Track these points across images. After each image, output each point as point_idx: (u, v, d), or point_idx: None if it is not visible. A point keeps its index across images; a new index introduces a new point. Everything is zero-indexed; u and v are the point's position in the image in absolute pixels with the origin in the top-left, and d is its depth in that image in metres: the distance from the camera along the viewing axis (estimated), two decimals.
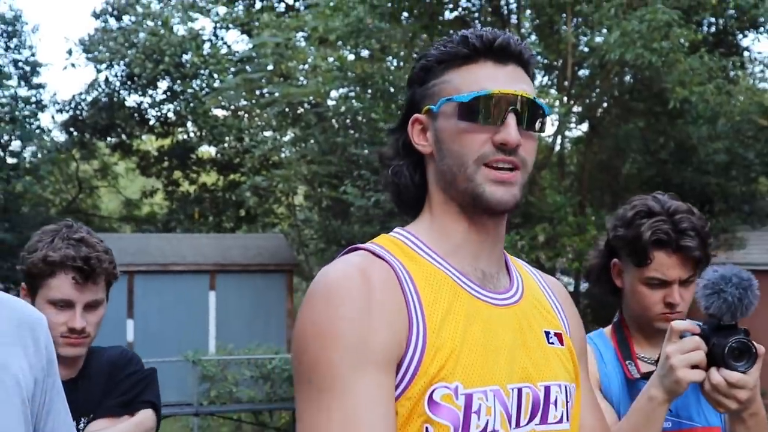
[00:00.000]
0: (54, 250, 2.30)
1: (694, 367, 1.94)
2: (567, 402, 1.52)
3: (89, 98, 24.74)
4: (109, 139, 26.11)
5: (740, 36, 16.18)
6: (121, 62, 22.97)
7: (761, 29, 15.19)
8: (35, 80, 23.62)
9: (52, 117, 33.96)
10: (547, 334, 1.57)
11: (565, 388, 1.53)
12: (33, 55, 23.97)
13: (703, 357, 1.94)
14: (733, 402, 1.91)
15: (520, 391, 1.46)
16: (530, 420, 1.46)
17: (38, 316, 1.70)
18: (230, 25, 22.44)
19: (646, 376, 2.16)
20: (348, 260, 1.46)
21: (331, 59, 14.28)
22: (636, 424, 2.02)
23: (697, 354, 1.93)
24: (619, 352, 2.30)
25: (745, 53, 16.44)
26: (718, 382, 1.91)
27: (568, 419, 1.53)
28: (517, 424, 1.44)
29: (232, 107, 20.60)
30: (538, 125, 1.51)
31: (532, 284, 1.65)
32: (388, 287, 1.41)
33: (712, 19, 15.10)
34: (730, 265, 2.04)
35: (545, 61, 14.80)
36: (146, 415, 2.50)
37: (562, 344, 1.59)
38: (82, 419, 2.39)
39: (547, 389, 1.49)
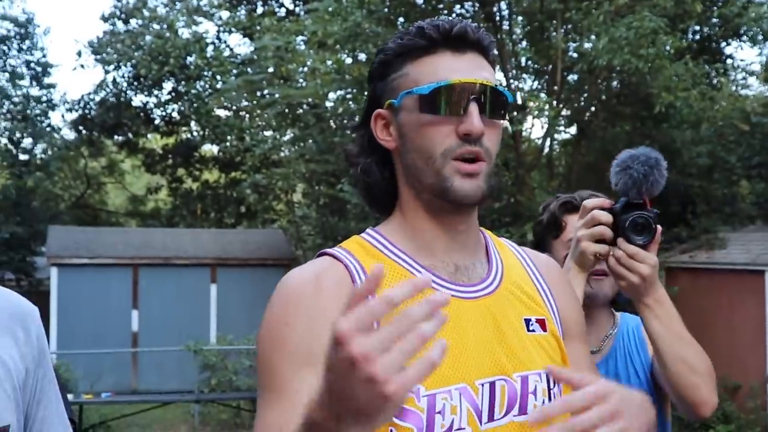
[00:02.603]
0: None
1: (600, 241, 1.97)
2: (549, 389, 1.47)
3: (97, 98, 24.90)
4: (116, 137, 26.23)
5: (724, 44, 16.16)
6: (128, 64, 23.08)
7: (744, 38, 15.14)
8: (46, 80, 23.75)
9: (62, 116, 34.23)
10: (528, 321, 1.52)
11: (547, 375, 1.47)
12: (44, 56, 24.13)
13: (607, 231, 1.96)
14: (635, 276, 1.91)
15: (492, 385, 1.42)
16: (507, 412, 1.43)
17: (30, 307, 1.67)
18: (233, 29, 22.53)
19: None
20: (306, 266, 1.48)
21: (329, 62, 14.32)
22: None
23: (600, 228, 1.96)
24: None
25: (728, 61, 16.41)
26: (620, 255, 1.92)
27: None
28: (491, 418, 1.41)
29: (234, 108, 20.68)
30: (501, 112, 1.47)
31: (516, 268, 1.59)
32: (339, 292, 1.38)
33: (697, 28, 15.09)
34: (643, 147, 2.02)
35: (535, 66, 14.79)
36: None
37: (545, 330, 1.54)
38: None
39: (524, 379, 1.45)
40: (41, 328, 1.68)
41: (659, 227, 1.95)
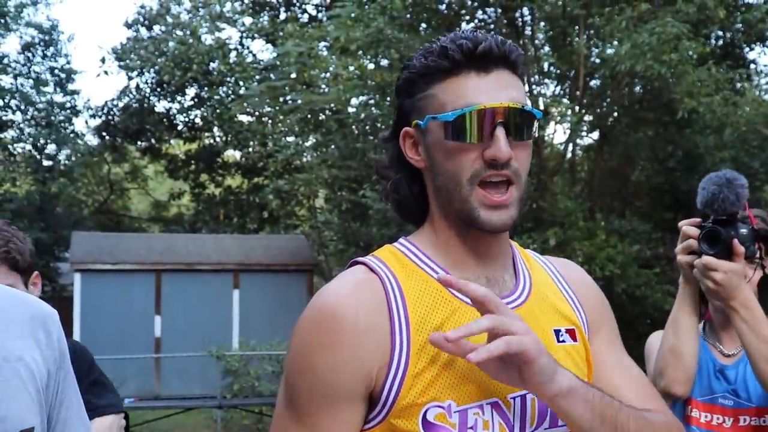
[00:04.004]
0: None
1: (692, 253, 2.22)
2: None
3: (121, 104, 25.01)
4: (139, 143, 26.33)
5: (747, 49, 16.09)
6: (152, 70, 23.19)
7: (767, 42, 15.14)
8: (70, 87, 23.94)
9: (86, 122, 34.62)
10: (557, 332, 1.52)
11: None
12: (68, 62, 24.22)
13: (694, 243, 2.21)
14: (710, 282, 2.14)
15: (524, 398, 1.41)
16: (538, 425, 1.42)
17: (50, 311, 1.69)
18: (255, 35, 22.50)
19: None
20: (342, 283, 1.44)
21: (351, 68, 14.34)
22: (674, 307, 2.34)
23: (689, 242, 2.22)
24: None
25: (752, 66, 16.28)
26: (697, 263, 2.18)
27: None
28: (522, 431, 1.40)
29: (257, 113, 20.65)
30: (529, 133, 1.43)
31: (543, 278, 1.59)
32: (373, 313, 1.38)
33: (720, 33, 15.06)
34: (727, 169, 2.27)
35: (558, 71, 14.78)
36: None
37: (575, 340, 1.54)
38: None
39: None
40: (61, 330, 1.70)
41: (735, 241, 2.13)
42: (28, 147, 23.29)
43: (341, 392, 1.35)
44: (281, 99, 16.46)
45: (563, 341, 1.52)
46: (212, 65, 22.50)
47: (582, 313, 1.59)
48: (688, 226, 2.24)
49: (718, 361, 2.46)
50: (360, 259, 1.50)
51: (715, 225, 2.17)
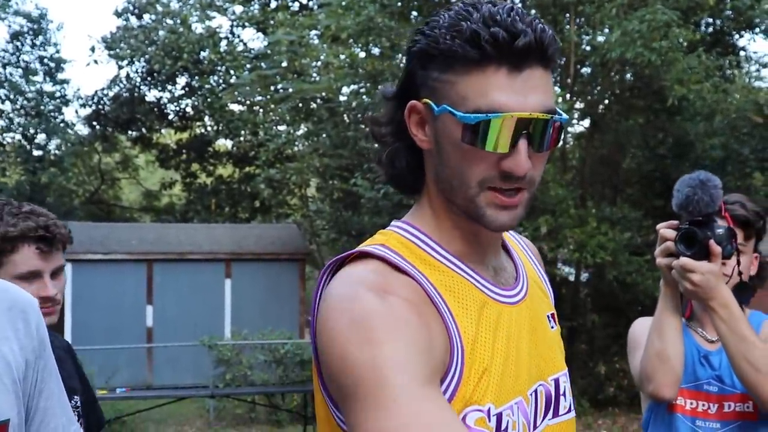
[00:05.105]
0: (9, 225, 2.18)
1: (669, 255, 2.24)
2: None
3: (111, 93, 25.01)
4: (130, 132, 26.34)
5: (737, 36, 16.15)
6: (142, 59, 23.18)
7: (757, 30, 15.15)
8: (60, 76, 23.92)
9: (76, 111, 34.53)
10: (548, 318, 1.47)
11: (566, 374, 1.45)
12: (57, 52, 24.20)
13: (672, 245, 2.23)
14: (688, 283, 2.16)
15: (536, 392, 1.36)
16: (545, 416, 1.37)
17: (29, 299, 1.66)
18: (246, 24, 22.49)
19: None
20: (364, 283, 1.21)
21: (342, 56, 14.32)
22: (657, 310, 2.32)
23: (666, 244, 2.25)
24: None
25: (741, 53, 16.38)
26: (674, 265, 2.20)
27: (573, 407, 1.45)
28: (535, 426, 1.34)
29: (248, 102, 20.65)
30: (554, 141, 1.28)
31: (525, 259, 1.52)
32: (422, 304, 1.22)
33: (710, 20, 15.09)
34: (700, 171, 2.30)
35: None
36: None
37: (556, 324, 1.50)
38: (74, 396, 2.34)
39: (557, 381, 1.41)
40: (41, 319, 1.67)
41: (711, 242, 2.16)
42: (18, 137, 23.26)
43: (433, 373, 1.18)
44: (272, 88, 16.43)
45: (552, 327, 1.47)
46: (203, 54, 22.50)
47: (551, 292, 1.55)
48: (665, 229, 2.26)
49: (702, 347, 2.48)
50: (369, 250, 1.29)
51: (691, 226, 2.19)
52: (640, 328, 2.57)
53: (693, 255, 2.17)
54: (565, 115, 1.29)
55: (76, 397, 2.35)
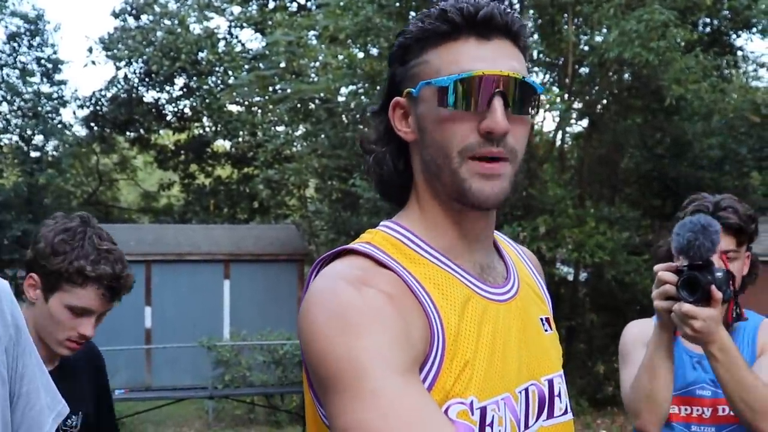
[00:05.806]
0: (89, 262, 2.19)
1: (669, 298, 2.22)
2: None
3: (109, 94, 24.92)
4: (128, 133, 26.24)
5: (734, 36, 16.20)
6: (140, 60, 23.10)
7: (754, 29, 15.17)
8: (57, 77, 23.63)
9: (74, 112, 34.23)
10: (542, 321, 1.48)
11: (562, 376, 1.46)
12: (55, 53, 23.90)
13: (671, 289, 2.20)
14: (688, 329, 2.16)
15: (527, 391, 1.36)
16: (538, 417, 1.37)
17: (1, 284, 1.61)
18: (244, 24, 22.49)
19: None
20: (343, 277, 1.24)
21: (341, 57, 14.30)
22: (650, 351, 2.30)
23: (665, 287, 2.22)
24: None
25: (739, 52, 16.45)
26: (675, 310, 2.18)
27: (570, 409, 1.46)
28: (526, 426, 1.34)
29: (246, 103, 20.68)
30: (529, 107, 1.32)
31: (521, 265, 1.53)
32: (402, 296, 1.24)
33: (707, 20, 15.15)
34: (700, 215, 2.27)
35: (547, 59, 14.77)
36: None
37: (552, 328, 1.51)
38: (79, 413, 2.33)
39: (551, 382, 1.42)
40: (15, 303, 1.63)
41: (713, 288, 2.14)
42: (15, 138, 23.13)
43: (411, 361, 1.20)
44: (270, 88, 16.45)
45: (547, 330, 1.48)
46: (201, 55, 22.48)
47: (549, 300, 1.57)
48: (664, 272, 2.25)
49: (694, 352, 2.47)
50: (354, 247, 1.33)
51: (692, 271, 2.19)
52: (631, 337, 2.58)
53: (695, 301, 2.17)
54: (540, 86, 1.34)
55: (74, 416, 2.31)
